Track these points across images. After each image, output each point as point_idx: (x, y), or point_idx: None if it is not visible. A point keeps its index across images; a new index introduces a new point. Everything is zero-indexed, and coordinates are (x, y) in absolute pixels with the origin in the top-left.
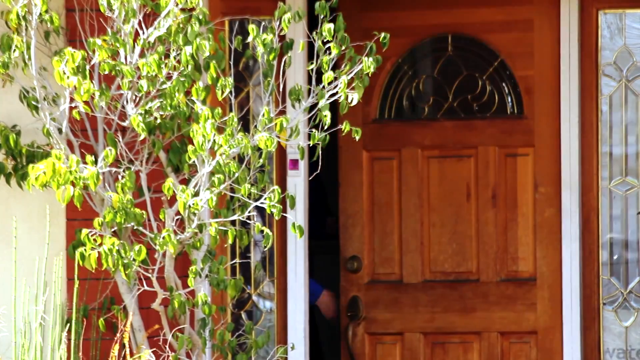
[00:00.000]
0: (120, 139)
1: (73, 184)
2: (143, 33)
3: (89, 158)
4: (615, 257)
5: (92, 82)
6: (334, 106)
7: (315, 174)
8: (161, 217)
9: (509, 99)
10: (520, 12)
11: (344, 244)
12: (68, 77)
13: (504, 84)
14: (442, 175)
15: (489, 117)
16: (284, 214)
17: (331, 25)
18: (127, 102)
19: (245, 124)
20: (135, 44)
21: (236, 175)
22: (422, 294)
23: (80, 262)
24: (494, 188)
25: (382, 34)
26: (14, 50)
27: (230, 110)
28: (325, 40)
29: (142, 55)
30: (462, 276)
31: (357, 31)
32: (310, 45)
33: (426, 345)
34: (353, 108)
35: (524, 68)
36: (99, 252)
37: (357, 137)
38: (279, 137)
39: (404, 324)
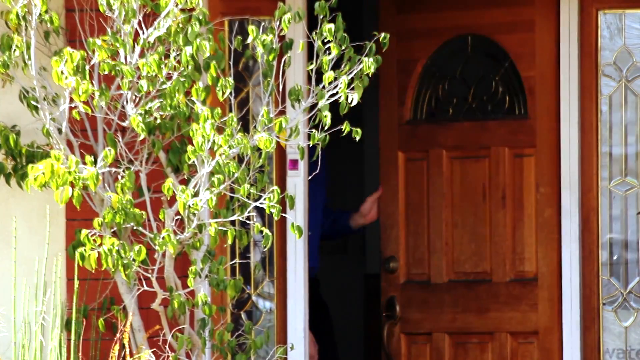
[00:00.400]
0: (120, 139)
1: (72, 185)
2: (143, 33)
3: (89, 158)
4: (614, 258)
5: (91, 82)
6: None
7: (314, 174)
8: (161, 217)
9: (517, 100)
10: (524, 12)
11: (383, 245)
12: (66, 78)
13: (512, 85)
14: (463, 176)
15: (500, 118)
16: (284, 214)
17: (331, 25)
18: (126, 102)
19: (245, 124)
20: (135, 44)
21: (235, 175)
22: (446, 294)
23: (80, 263)
24: (504, 189)
25: (382, 34)
26: (14, 50)
27: (230, 111)
28: (325, 41)
29: (142, 55)
30: (479, 276)
31: (392, 34)
32: (310, 46)
33: (450, 346)
34: (389, 109)
35: (527, 69)
36: (98, 252)
37: (358, 138)
38: (278, 138)
39: (432, 324)
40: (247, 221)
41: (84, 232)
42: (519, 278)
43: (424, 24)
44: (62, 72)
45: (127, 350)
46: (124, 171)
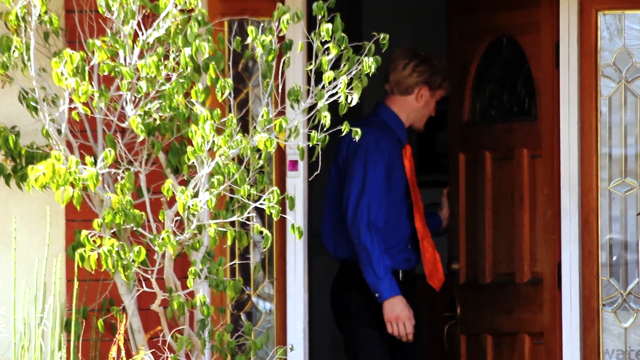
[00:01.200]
0: (120, 140)
1: (72, 185)
2: (142, 34)
3: (89, 159)
4: (614, 258)
5: (91, 83)
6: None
7: (315, 174)
8: (160, 218)
9: (529, 101)
10: (533, 14)
11: (449, 245)
12: (66, 79)
13: (529, 87)
14: (496, 177)
15: (518, 120)
16: (283, 215)
17: (329, 26)
18: (126, 103)
19: (245, 125)
20: (135, 45)
21: (235, 176)
22: (488, 295)
23: (80, 264)
24: (522, 189)
25: (382, 35)
26: (14, 51)
27: (230, 111)
28: (323, 41)
29: (141, 56)
30: (507, 277)
31: (455, 35)
32: (309, 46)
33: (491, 346)
34: (456, 110)
35: (536, 70)
36: (98, 253)
37: (357, 138)
38: (278, 138)
39: (479, 325)
40: (247, 222)
41: (84, 232)
42: (534, 279)
43: (474, 26)
44: (62, 74)
45: (127, 351)
46: (123, 172)
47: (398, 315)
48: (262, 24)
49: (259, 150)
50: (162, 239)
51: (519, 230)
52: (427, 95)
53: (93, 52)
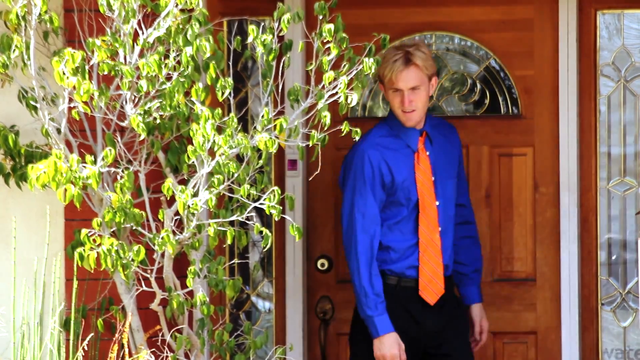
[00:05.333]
0: (119, 139)
1: (72, 184)
2: (142, 33)
3: (89, 158)
4: (613, 258)
5: (91, 82)
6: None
7: (315, 174)
8: (160, 217)
9: (502, 99)
10: (519, 11)
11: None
12: (68, 78)
13: (496, 84)
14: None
15: (481, 117)
16: (283, 215)
17: (331, 26)
18: (126, 102)
19: (244, 125)
20: (135, 44)
21: (235, 175)
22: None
23: (79, 263)
24: (488, 188)
25: (382, 35)
26: (14, 50)
27: (229, 111)
28: (324, 41)
29: (141, 55)
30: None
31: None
32: (308, 45)
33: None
34: None
35: (523, 68)
36: (97, 252)
37: (357, 138)
38: (278, 138)
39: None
40: (246, 221)
41: (84, 232)
42: (506, 278)
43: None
44: (63, 72)
45: (127, 350)
46: (123, 171)
47: (384, 354)
48: (262, 24)
49: (259, 149)
50: (162, 238)
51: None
52: (383, 89)
53: (93, 52)
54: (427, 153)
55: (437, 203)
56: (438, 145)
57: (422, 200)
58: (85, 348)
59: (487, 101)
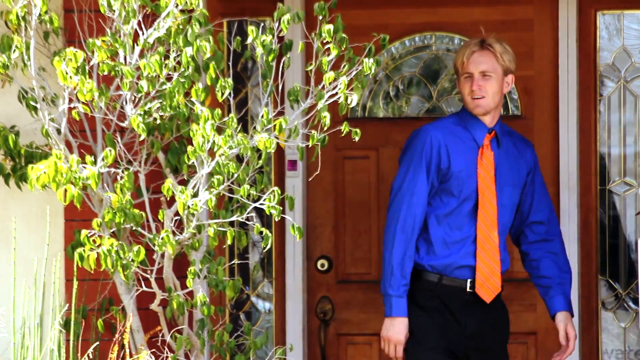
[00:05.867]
0: (119, 140)
1: (72, 184)
2: (143, 34)
3: (89, 158)
4: (613, 258)
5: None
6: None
7: (315, 174)
8: (160, 217)
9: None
10: (519, 11)
11: None
12: (71, 77)
13: None
14: None
15: None
16: (282, 215)
17: (330, 26)
18: (126, 102)
19: (244, 125)
20: (135, 44)
21: (235, 176)
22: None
23: (79, 263)
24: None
25: (382, 36)
26: (14, 50)
27: (229, 111)
28: (324, 41)
29: (141, 56)
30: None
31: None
32: (308, 46)
33: None
34: None
35: (523, 68)
36: (97, 252)
37: (357, 138)
38: (277, 138)
39: None
40: (246, 222)
41: (84, 232)
42: (510, 278)
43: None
44: (66, 72)
45: (128, 351)
46: (123, 172)
47: (390, 337)
48: (262, 24)
49: (258, 150)
50: (162, 238)
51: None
52: (458, 85)
53: (93, 52)
54: (493, 152)
55: (496, 204)
56: (505, 150)
57: (482, 194)
58: (91, 356)
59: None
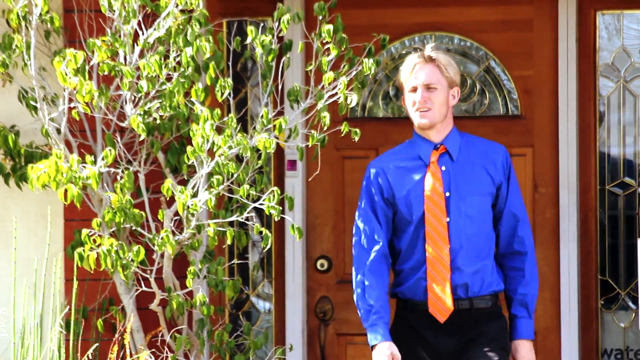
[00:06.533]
0: (119, 140)
1: (72, 184)
2: (143, 34)
3: (89, 158)
4: (613, 258)
5: (91, 82)
6: None
7: (315, 174)
8: (159, 217)
9: (502, 99)
10: (518, 11)
11: None
12: (70, 78)
13: (496, 84)
14: None
15: (480, 117)
16: (282, 215)
17: (330, 27)
18: (125, 102)
19: (243, 125)
20: (135, 44)
21: (235, 176)
22: None
23: (79, 263)
24: None
25: (382, 36)
26: (14, 50)
27: (229, 111)
28: (324, 41)
29: (141, 56)
30: None
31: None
32: (307, 46)
33: None
34: None
35: (522, 68)
36: (97, 252)
37: (357, 139)
38: (277, 138)
39: None
40: (246, 221)
41: (84, 231)
42: None
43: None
44: (65, 73)
45: (128, 351)
46: (122, 172)
47: None
48: (262, 24)
49: (258, 150)
50: (161, 238)
51: None
52: (403, 103)
53: (93, 52)
54: (443, 168)
55: (448, 219)
56: (464, 161)
57: (427, 214)
58: (90, 356)
59: (486, 101)
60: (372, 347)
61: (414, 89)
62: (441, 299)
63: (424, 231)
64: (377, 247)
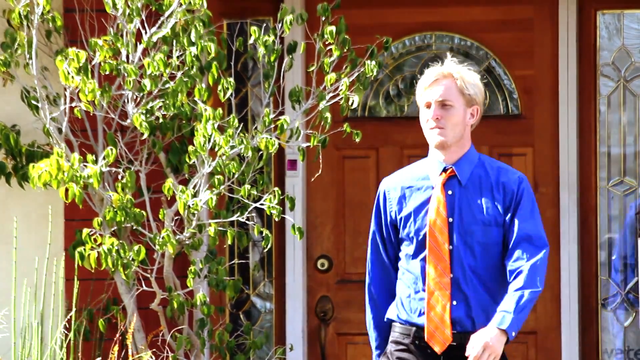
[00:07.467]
0: (120, 139)
1: (74, 183)
2: (146, 33)
3: (90, 157)
4: (613, 258)
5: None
6: None
7: (317, 174)
8: (160, 217)
9: (502, 99)
10: (519, 11)
11: None
12: (72, 77)
13: (496, 84)
14: None
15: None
16: (283, 215)
17: (333, 27)
18: (127, 101)
19: (244, 125)
20: (138, 43)
21: (236, 176)
22: None
23: (80, 262)
24: None
25: (385, 38)
26: (16, 49)
27: (230, 111)
28: (326, 42)
29: (144, 54)
30: None
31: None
32: (308, 46)
33: None
34: None
35: (522, 68)
36: (98, 252)
37: (358, 139)
38: (279, 139)
39: None
40: (246, 221)
41: (85, 231)
42: None
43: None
44: (68, 72)
45: (130, 351)
46: (124, 171)
47: None
48: (264, 24)
49: (259, 150)
50: (162, 238)
51: None
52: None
53: (94, 51)
54: (449, 192)
55: (450, 247)
56: (472, 187)
57: (430, 238)
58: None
59: (487, 101)
60: None
61: (428, 105)
62: (439, 329)
63: (424, 255)
64: (382, 265)
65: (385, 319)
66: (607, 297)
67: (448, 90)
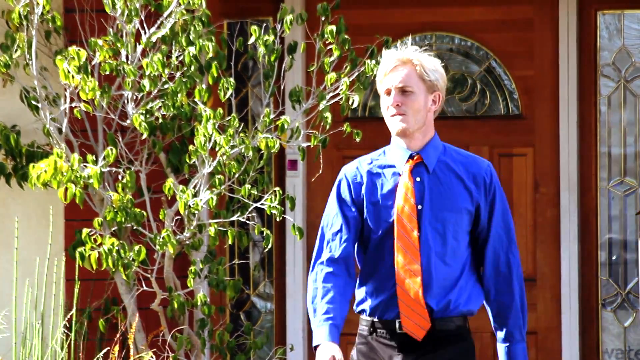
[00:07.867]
0: (120, 139)
1: (74, 183)
2: (145, 33)
3: (90, 157)
4: (613, 258)
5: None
6: None
7: (317, 174)
8: (161, 217)
9: (502, 99)
10: (519, 11)
11: None
12: (73, 76)
13: (496, 84)
14: None
15: (481, 117)
16: (283, 215)
17: (333, 27)
18: (127, 101)
19: (244, 125)
20: (138, 43)
21: (236, 176)
22: None
23: (80, 262)
24: None
25: (384, 38)
26: (16, 50)
27: (230, 111)
28: (326, 42)
29: (143, 55)
30: None
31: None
32: (309, 46)
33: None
34: None
35: (523, 68)
36: (98, 252)
37: (358, 139)
38: (279, 139)
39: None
40: (247, 222)
41: (85, 231)
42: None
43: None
44: (68, 71)
45: (130, 350)
46: (124, 171)
47: None
48: (264, 24)
49: (259, 150)
50: (163, 238)
51: None
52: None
53: (94, 51)
54: (417, 179)
55: (418, 234)
56: (441, 174)
57: (398, 225)
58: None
59: (487, 102)
60: (315, 348)
61: (388, 92)
62: (414, 314)
63: (391, 243)
64: (341, 247)
65: (355, 311)
66: (607, 297)
67: (408, 76)
